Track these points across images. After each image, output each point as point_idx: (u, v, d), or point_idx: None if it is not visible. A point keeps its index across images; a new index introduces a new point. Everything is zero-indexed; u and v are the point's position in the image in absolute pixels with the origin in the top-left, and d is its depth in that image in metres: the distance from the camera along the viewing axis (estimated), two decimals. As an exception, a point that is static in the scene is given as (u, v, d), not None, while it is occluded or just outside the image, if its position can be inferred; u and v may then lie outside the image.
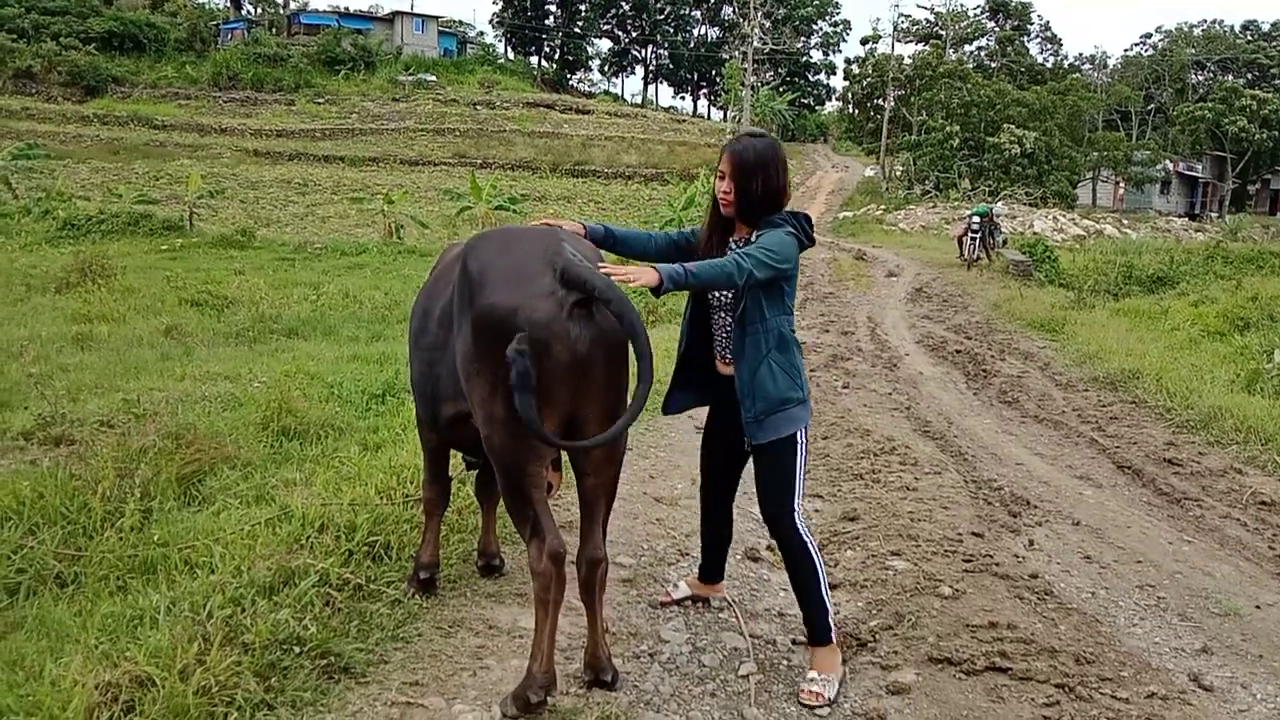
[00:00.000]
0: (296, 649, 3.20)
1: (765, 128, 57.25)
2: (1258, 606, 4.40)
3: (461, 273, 3.08)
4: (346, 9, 66.82)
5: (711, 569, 4.01)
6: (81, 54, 51.31)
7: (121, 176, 35.57)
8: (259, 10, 68.63)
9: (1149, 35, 68.60)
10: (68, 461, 4.88)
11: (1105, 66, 68.57)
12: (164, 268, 16.77)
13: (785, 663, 3.61)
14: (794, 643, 3.77)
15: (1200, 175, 55.61)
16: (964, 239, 20.76)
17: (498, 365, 2.84)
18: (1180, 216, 47.25)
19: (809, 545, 3.42)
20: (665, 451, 6.36)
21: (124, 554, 3.97)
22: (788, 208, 3.40)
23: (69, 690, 2.78)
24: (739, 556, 4.63)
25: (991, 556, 4.71)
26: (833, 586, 4.33)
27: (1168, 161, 51.11)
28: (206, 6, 66.77)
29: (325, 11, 66.44)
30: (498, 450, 3.01)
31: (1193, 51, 63.73)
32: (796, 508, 3.41)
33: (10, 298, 12.73)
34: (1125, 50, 74.71)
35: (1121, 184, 50.72)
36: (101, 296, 12.41)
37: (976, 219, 20.45)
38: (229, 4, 69.07)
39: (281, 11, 67.65)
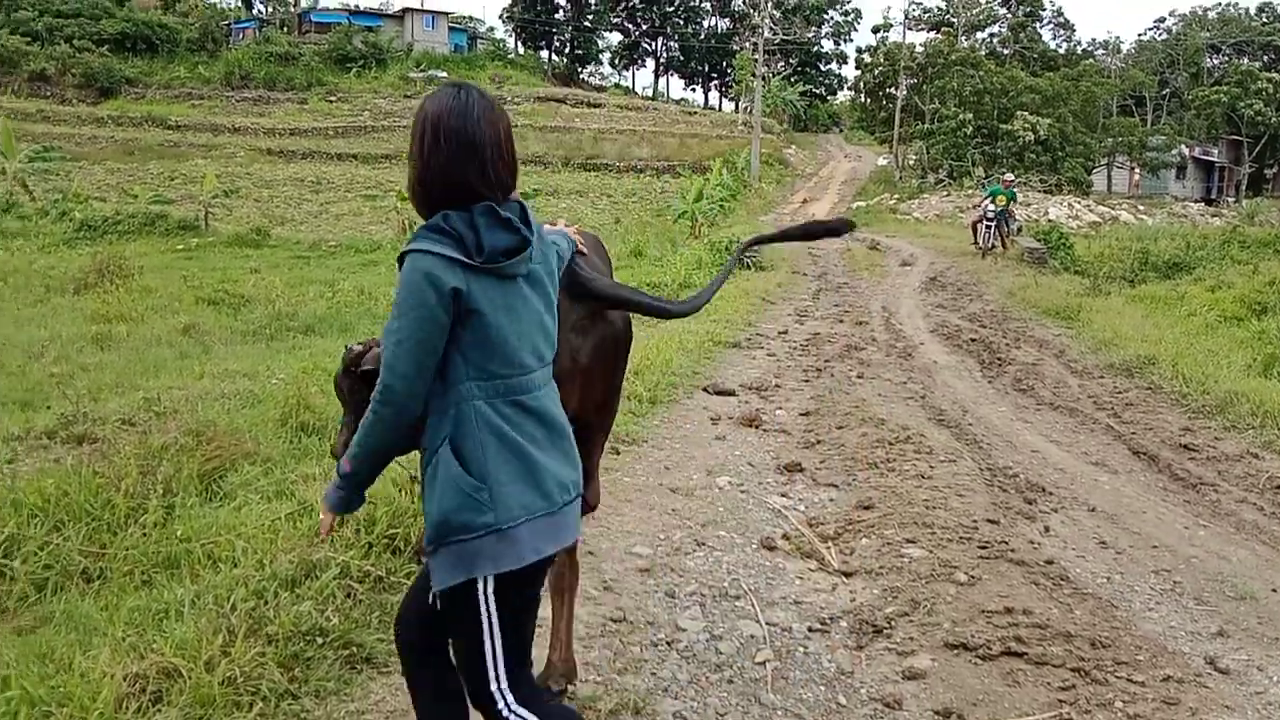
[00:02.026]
0: (319, 640, 3.25)
1: (777, 118, 57.22)
2: (1274, 590, 4.41)
3: None
4: (357, 6, 66.89)
5: None
6: (95, 56, 51.57)
7: (136, 177, 35.74)
8: (270, 9, 68.83)
9: (1163, 19, 68.45)
10: (91, 459, 4.93)
11: (1119, 51, 68.17)
12: (180, 267, 16.89)
13: (802, 650, 3.64)
14: (810, 630, 3.80)
15: (1216, 160, 55.20)
16: (979, 226, 20.54)
17: None
18: (1196, 201, 46.95)
19: None
20: (680, 444, 6.39)
21: (148, 549, 4.02)
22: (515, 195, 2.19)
23: (98, 681, 2.83)
24: (754, 546, 4.66)
25: (1007, 543, 4.73)
26: (848, 574, 4.37)
27: (1183, 146, 50.77)
28: (218, 6, 67.03)
29: (336, 9, 66.54)
30: None
31: (1207, 35, 63.21)
32: (499, 681, 2.20)
33: (30, 299, 12.85)
34: (1139, 35, 74.66)
35: (1137, 170, 50.44)
36: (119, 296, 12.50)
37: (991, 208, 20.09)
38: (240, 3, 69.29)
39: (292, 10, 67.79)
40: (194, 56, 56.38)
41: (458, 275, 2.00)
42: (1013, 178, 23.51)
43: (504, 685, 2.19)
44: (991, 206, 20.17)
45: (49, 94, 49.46)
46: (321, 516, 2.28)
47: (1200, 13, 65.75)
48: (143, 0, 60.61)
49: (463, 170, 2.06)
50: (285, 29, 64.40)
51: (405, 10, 65.40)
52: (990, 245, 20.06)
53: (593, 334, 2.96)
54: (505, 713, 2.18)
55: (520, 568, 2.08)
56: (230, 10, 67.53)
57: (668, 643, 3.63)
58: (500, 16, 75.81)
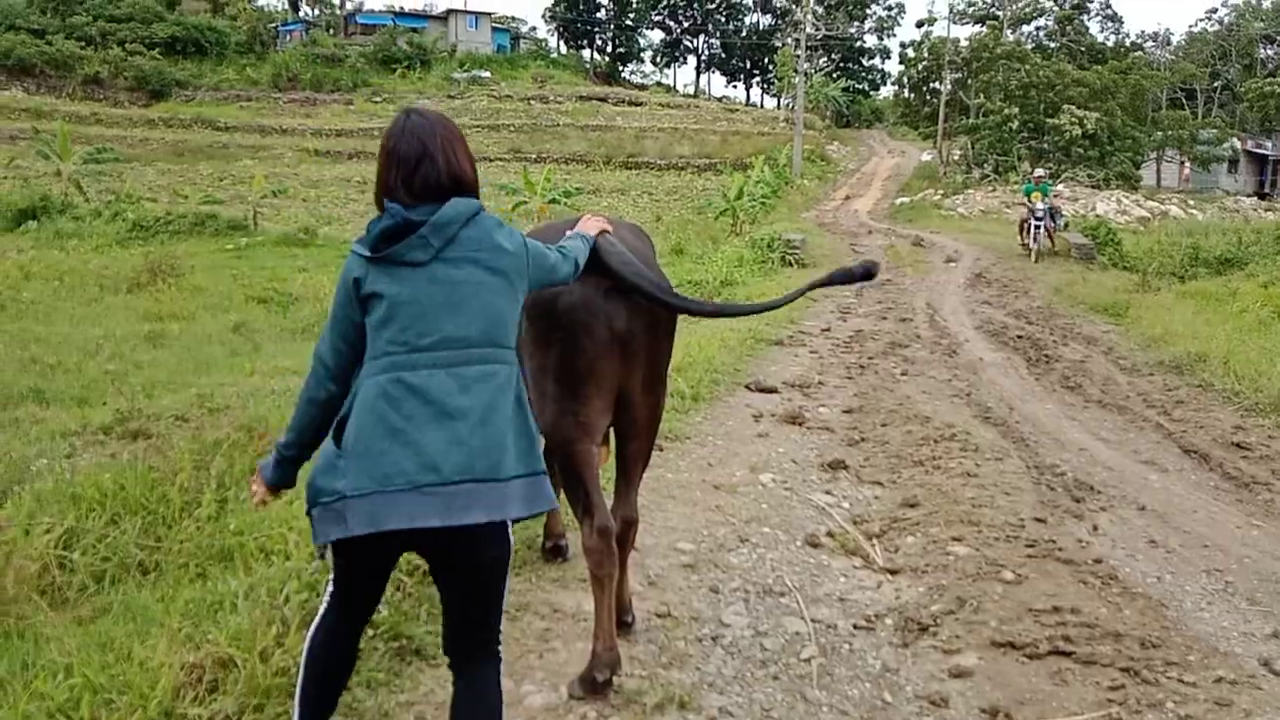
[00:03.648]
0: (370, 632, 3.30)
1: (819, 114, 56.93)
2: (1330, 591, 4.32)
3: None
4: (402, 8, 67.60)
5: None
6: (146, 59, 52.60)
7: (187, 178, 36.36)
8: (316, 11, 69.72)
9: (1214, 10, 66.96)
10: (146, 455, 5.05)
11: (1169, 44, 66.98)
12: (230, 266, 17.17)
13: (847, 647, 3.64)
14: (855, 627, 3.80)
15: (1270, 153, 53.86)
16: (1027, 224, 19.58)
17: (547, 347, 3.06)
18: (1249, 196, 45.83)
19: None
20: (723, 440, 6.39)
21: (202, 542, 4.13)
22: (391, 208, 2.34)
23: (156, 670, 2.91)
24: (798, 543, 4.66)
25: (1054, 542, 4.68)
26: (894, 572, 4.36)
27: (1235, 139, 49.65)
28: (265, 9, 67.95)
29: (381, 11, 67.27)
30: (549, 428, 3.15)
31: (1261, 25, 61.80)
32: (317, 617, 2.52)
33: (85, 298, 13.16)
34: (1189, 26, 73.11)
35: (1187, 164, 49.42)
36: (171, 295, 12.78)
37: (1040, 207, 19.01)
38: (287, 6, 70.22)
39: (338, 12, 68.60)
40: (242, 59, 57.32)
41: (360, 266, 2.30)
42: (1043, 173, 22.57)
43: (315, 623, 2.47)
44: (1040, 206, 19.10)
45: (102, 97, 50.58)
46: (253, 486, 2.51)
47: (1254, 3, 64.30)
48: (192, 4, 61.66)
49: (390, 179, 2.37)
50: (331, 31, 65.21)
51: (449, 11, 65.89)
52: (1039, 247, 19.04)
53: (627, 301, 3.05)
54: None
55: (359, 535, 2.18)
56: (277, 13, 68.46)
57: (712, 638, 3.64)
58: (542, 16, 76.08)
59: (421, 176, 2.34)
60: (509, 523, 2.33)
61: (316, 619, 2.48)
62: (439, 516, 2.18)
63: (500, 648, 2.46)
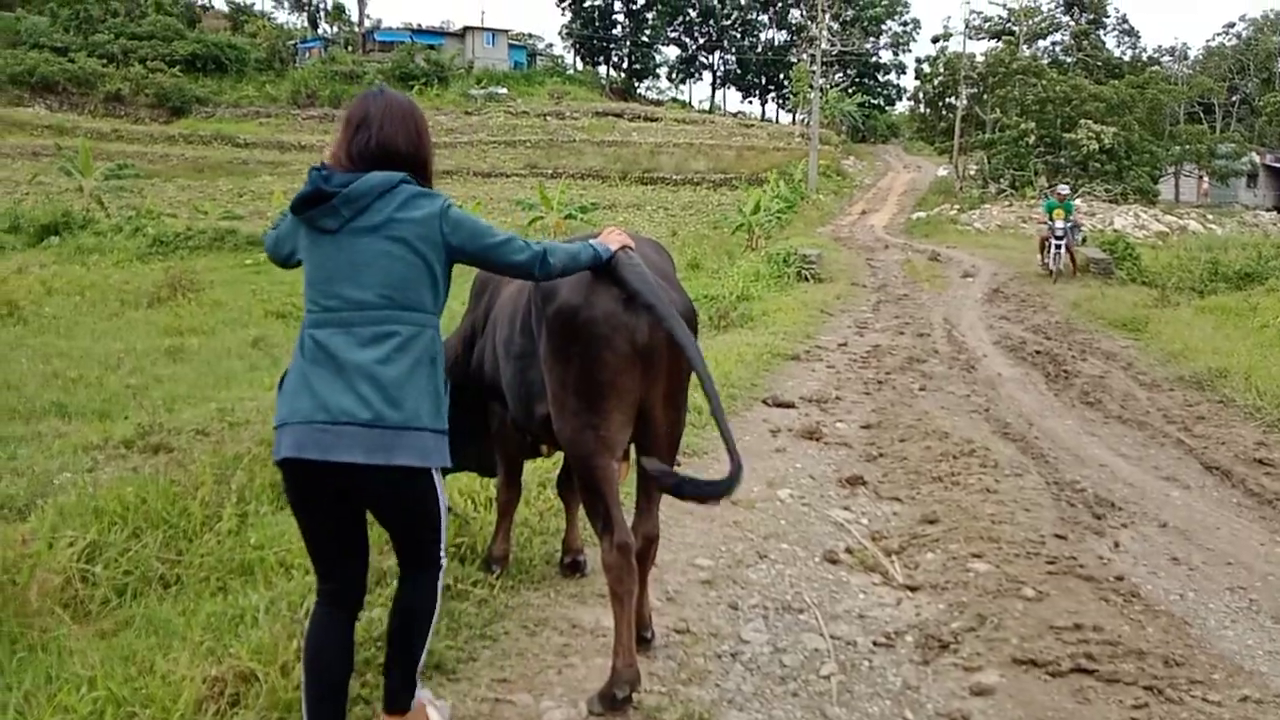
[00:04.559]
0: (389, 646, 3.31)
1: (834, 129, 57.00)
2: (1356, 609, 4.27)
3: (534, 284, 3.21)
4: (419, 25, 68.06)
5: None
6: (167, 76, 53.19)
7: (206, 194, 36.67)
8: (335, 29, 70.33)
9: (1232, 24, 66.72)
10: (168, 468, 5.09)
11: (1186, 58, 66.80)
12: (249, 281, 17.28)
13: (867, 664, 3.62)
14: (875, 644, 3.78)
15: (1289, 167, 53.63)
16: (1047, 243, 18.91)
17: (567, 361, 3.05)
18: (1269, 210, 45.55)
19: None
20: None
21: (223, 556, 4.14)
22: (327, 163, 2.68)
23: (179, 684, 2.93)
24: (817, 559, 4.65)
25: (1075, 558, 4.65)
26: (913, 589, 4.34)
27: (1254, 154, 49.39)
28: (284, 27, 68.66)
29: (399, 28, 67.75)
30: (569, 442, 3.15)
31: (1279, 39, 61.59)
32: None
33: (106, 312, 13.26)
34: (1207, 41, 72.85)
35: (1205, 178, 49.21)
36: (191, 310, 12.87)
37: (1060, 226, 18.36)
38: (305, 24, 70.89)
39: (356, 29, 69.17)
40: (261, 76, 57.88)
41: (292, 221, 2.63)
42: (1067, 190, 21.73)
43: (313, 573, 2.75)
44: (1060, 224, 18.45)
45: (123, 114, 51.14)
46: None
47: (1272, 17, 64.07)
48: (212, 22, 62.34)
49: (337, 143, 2.65)
50: (350, 48, 65.76)
51: (466, 29, 66.33)
52: (1059, 268, 18.51)
53: (649, 314, 2.99)
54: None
55: (284, 458, 2.49)
56: (296, 30, 69.15)
57: (731, 654, 3.63)
58: (559, 33, 76.53)
59: (358, 143, 2.59)
60: (425, 470, 2.57)
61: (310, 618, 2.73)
62: (319, 450, 2.45)
63: (442, 557, 2.74)
